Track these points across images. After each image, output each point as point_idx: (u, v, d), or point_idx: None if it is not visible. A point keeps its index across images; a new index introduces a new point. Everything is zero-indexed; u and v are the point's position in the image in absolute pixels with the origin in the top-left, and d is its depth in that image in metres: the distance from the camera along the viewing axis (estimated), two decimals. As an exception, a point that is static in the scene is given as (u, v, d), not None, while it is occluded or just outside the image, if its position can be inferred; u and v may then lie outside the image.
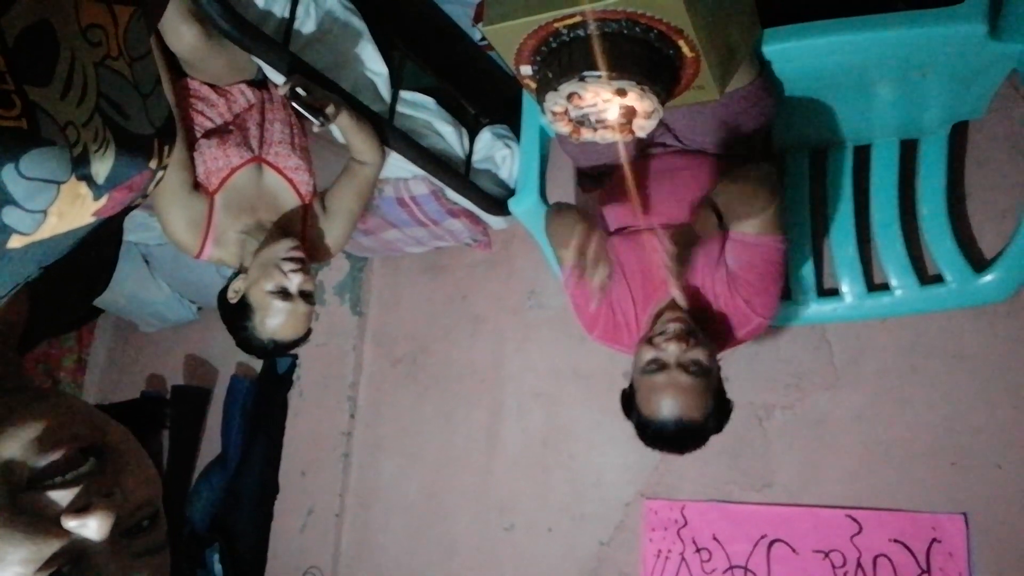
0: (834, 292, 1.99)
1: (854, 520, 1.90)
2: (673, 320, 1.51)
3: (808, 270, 2.01)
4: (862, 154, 2.00)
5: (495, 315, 2.53)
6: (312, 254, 1.80)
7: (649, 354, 1.49)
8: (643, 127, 1.31)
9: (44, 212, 0.52)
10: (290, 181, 1.75)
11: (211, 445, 2.99)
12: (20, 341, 0.67)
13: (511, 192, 2.25)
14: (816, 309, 2.00)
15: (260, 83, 1.79)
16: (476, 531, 2.39)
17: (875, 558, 1.86)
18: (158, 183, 0.64)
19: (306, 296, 1.62)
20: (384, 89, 1.92)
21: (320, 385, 2.73)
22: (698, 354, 1.46)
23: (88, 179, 0.55)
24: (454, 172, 2.11)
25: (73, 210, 0.55)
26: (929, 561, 1.80)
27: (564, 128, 1.36)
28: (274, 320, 1.59)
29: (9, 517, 0.51)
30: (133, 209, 0.65)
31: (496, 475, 2.40)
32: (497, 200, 2.23)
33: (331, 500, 2.59)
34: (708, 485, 2.10)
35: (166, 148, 0.63)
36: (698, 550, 2.04)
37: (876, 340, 1.99)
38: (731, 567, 2.00)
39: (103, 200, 0.57)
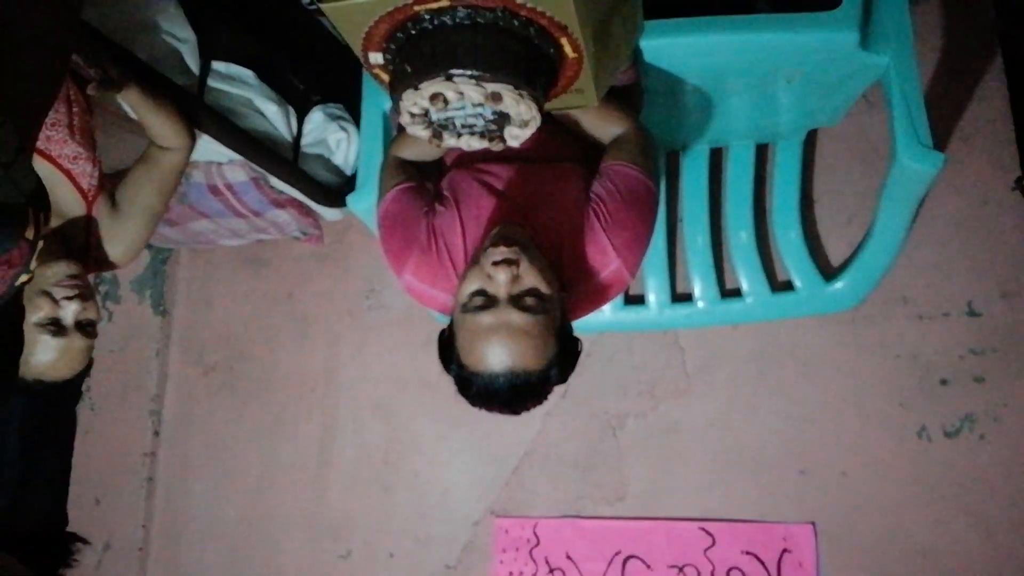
0: (688, 297, 1.95)
1: (707, 532, 1.88)
2: (505, 235, 1.17)
3: (662, 274, 1.96)
4: (717, 156, 1.95)
5: (327, 316, 2.29)
6: (99, 263, 1.49)
7: (474, 283, 1.14)
8: (517, 136, 1.12)
9: None
10: (67, 173, 1.40)
11: (-24, 469, 2.52)
12: None
13: (346, 180, 2.05)
14: (669, 314, 1.97)
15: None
16: (307, 559, 2.17)
17: (728, 571, 1.85)
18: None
19: (85, 327, 1.31)
20: (191, 59, 1.65)
21: (117, 397, 2.41)
22: (535, 280, 1.13)
23: None
24: (279, 157, 1.87)
25: None
26: (780, 571, 1.81)
27: (423, 132, 1.14)
28: (42, 358, 1.30)
29: None
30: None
31: (330, 496, 2.18)
32: (331, 190, 2.02)
33: (132, 532, 2.31)
34: (560, 500, 2.00)
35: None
36: (551, 571, 1.95)
37: (727, 347, 1.98)
38: (585, 586, 1.92)
39: None
